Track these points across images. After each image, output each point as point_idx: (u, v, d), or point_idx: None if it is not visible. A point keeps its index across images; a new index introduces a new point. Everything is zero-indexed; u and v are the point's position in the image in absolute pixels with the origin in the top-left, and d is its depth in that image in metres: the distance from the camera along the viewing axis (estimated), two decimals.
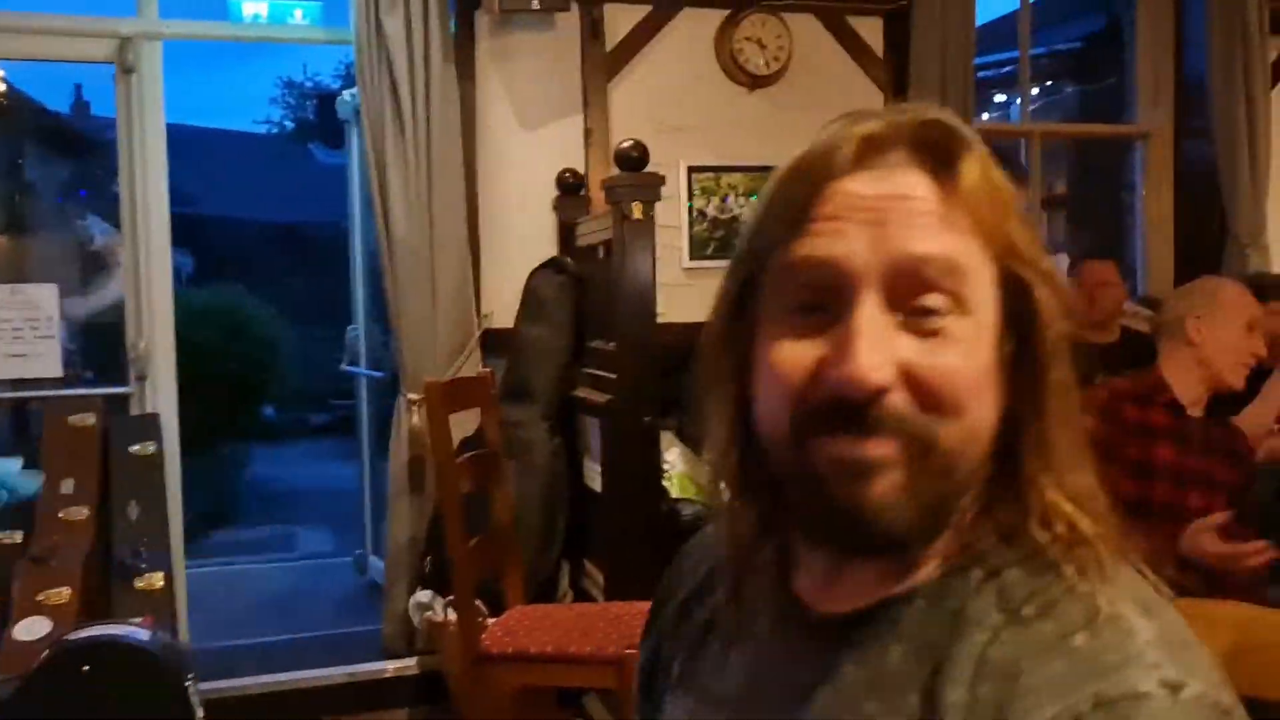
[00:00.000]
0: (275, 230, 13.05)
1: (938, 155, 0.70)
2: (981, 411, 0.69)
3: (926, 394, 0.67)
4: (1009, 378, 0.70)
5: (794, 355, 0.69)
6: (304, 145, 18.40)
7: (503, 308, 3.71)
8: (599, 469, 3.26)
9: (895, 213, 0.68)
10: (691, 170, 3.87)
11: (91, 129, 10.04)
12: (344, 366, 4.84)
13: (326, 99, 17.93)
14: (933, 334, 0.68)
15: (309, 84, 19.04)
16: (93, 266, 5.96)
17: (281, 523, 6.74)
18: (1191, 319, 2.40)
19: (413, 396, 3.56)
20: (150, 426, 3.56)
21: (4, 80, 5.36)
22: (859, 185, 0.69)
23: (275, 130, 19.57)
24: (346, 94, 4.70)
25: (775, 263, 0.71)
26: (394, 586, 3.57)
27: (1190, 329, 2.39)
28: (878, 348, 0.66)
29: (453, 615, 3.13)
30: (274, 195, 13.95)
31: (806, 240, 0.69)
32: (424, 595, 3.35)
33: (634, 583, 2.99)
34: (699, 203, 3.91)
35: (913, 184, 0.69)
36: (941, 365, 0.67)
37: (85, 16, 3.73)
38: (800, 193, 0.71)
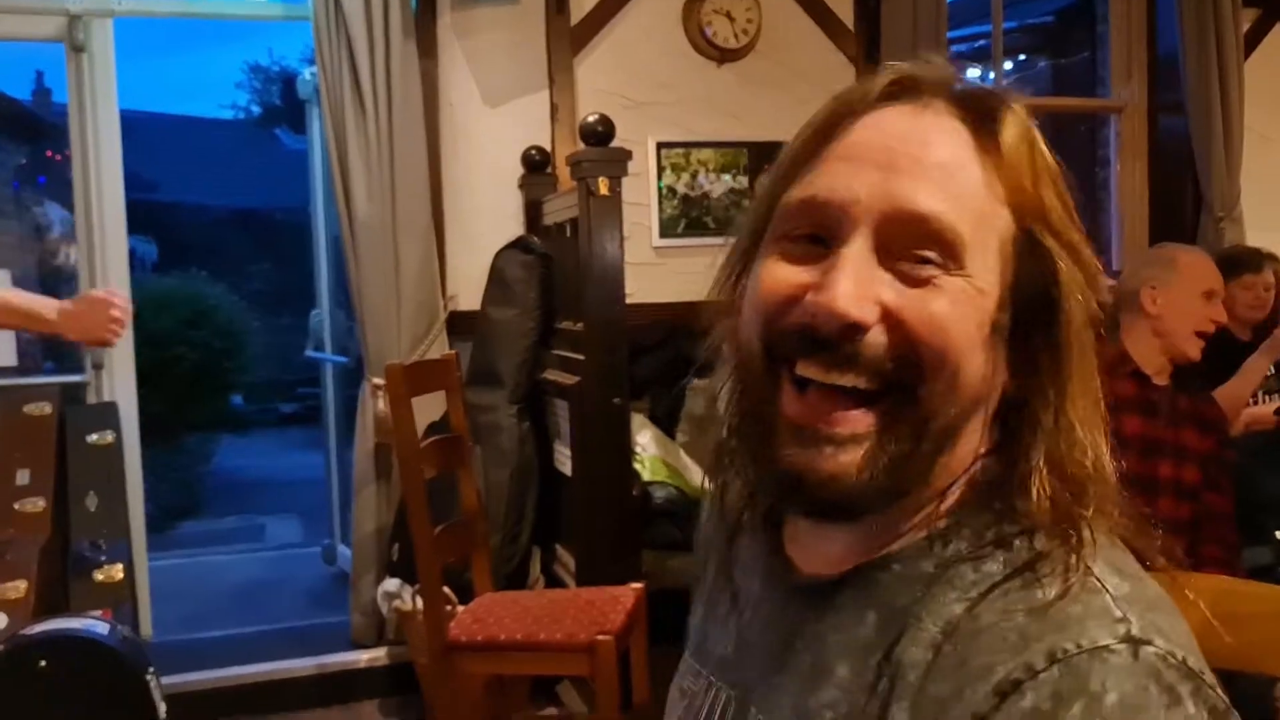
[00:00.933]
0: (241, 216, 12.87)
1: (980, 110, 0.69)
2: (968, 374, 0.66)
3: (909, 340, 0.65)
4: (1016, 348, 0.68)
5: (779, 275, 0.68)
6: (270, 130, 18.20)
7: (469, 289, 3.63)
8: (569, 452, 3.20)
9: (907, 159, 0.66)
10: (661, 146, 3.80)
11: (51, 115, 9.84)
12: (309, 353, 4.74)
13: (291, 82, 17.73)
14: (923, 282, 0.65)
15: (275, 68, 18.82)
16: (50, 254, 5.83)
17: (250, 513, 6.64)
18: (1147, 289, 2.36)
19: (377, 381, 3.47)
20: (108, 415, 3.47)
21: None
22: (888, 119, 0.68)
23: (242, 115, 19.35)
24: (306, 73, 4.60)
25: (784, 201, 0.70)
26: (362, 576, 3.49)
27: (1145, 299, 2.35)
28: (861, 282, 0.64)
29: (421, 604, 3.06)
30: (241, 181, 13.76)
31: (813, 178, 0.68)
32: (392, 584, 3.28)
33: (605, 567, 2.93)
34: (669, 180, 3.84)
35: (949, 129, 0.68)
36: (928, 313, 0.65)
37: None
38: (824, 126, 0.70)
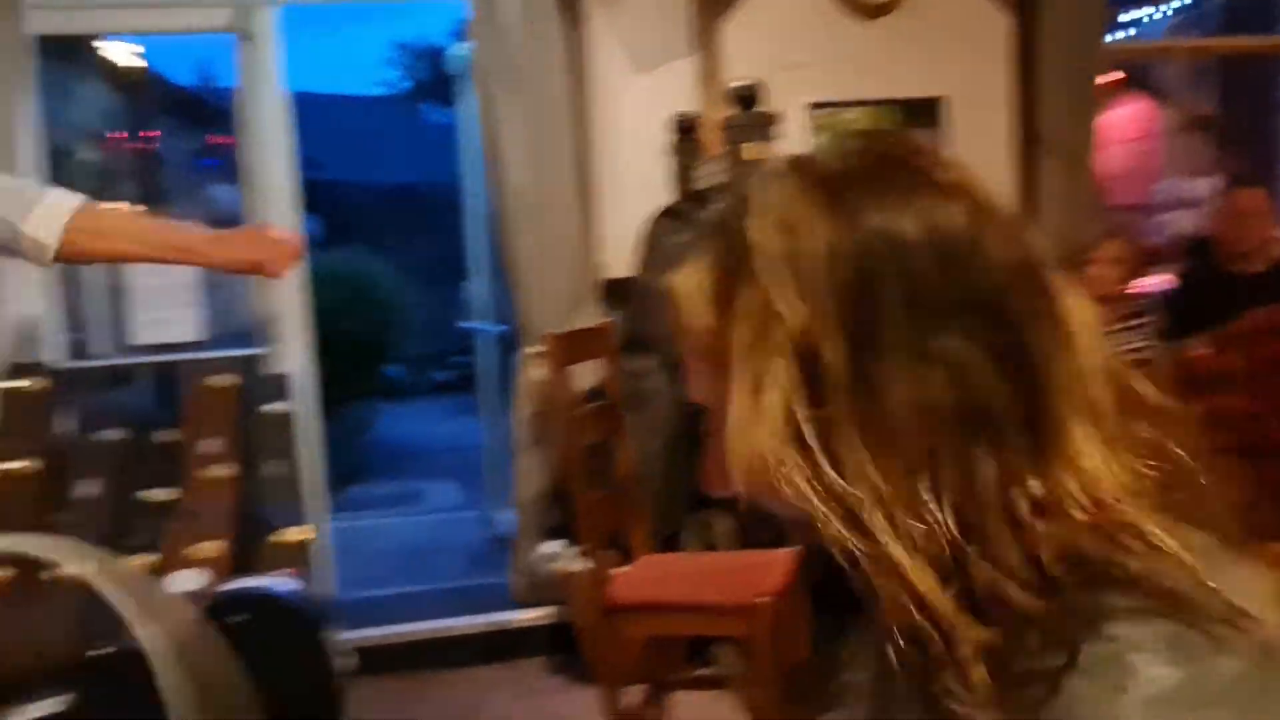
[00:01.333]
0: (394, 192, 13.28)
1: None
2: None
3: None
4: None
5: None
6: (416, 105, 18.65)
7: (619, 256, 3.67)
8: None
9: None
10: (811, 107, 3.74)
11: (216, 100, 10.34)
12: (462, 323, 4.89)
13: (438, 58, 18.13)
14: None
15: (422, 44, 19.24)
16: None
17: (410, 478, 6.91)
18: None
19: (533, 350, 3.56)
20: (284, 386, 3.66)
21: (138, 55, 5.54)
22: None
23: (392, 91, 19.86)
24: (457, 49, 4.71)
25: None
26: (522, 539, 3.60)
27: None
28: None
29: (581, 566, 3.15)
30: (392, 157, 14.19)
31: None
32: (552, 546, 3.38)
33: (763, 533, 2.95)
34: (818, 141, 3.79)
35: None
36: None
37: None
38: None
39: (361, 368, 7.55)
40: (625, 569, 2.84)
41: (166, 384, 4.95)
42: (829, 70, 3.77)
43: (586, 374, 3.25)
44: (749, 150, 2.90)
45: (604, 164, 3.71)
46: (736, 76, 3.14)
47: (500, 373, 4.66)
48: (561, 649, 3.48)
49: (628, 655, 2.79)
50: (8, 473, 3.43)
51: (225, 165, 9.04)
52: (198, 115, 8.37)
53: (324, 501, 3.83)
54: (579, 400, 2.85)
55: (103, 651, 2.93)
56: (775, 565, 2.68)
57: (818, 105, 3.75)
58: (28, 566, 3.25)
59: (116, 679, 2.85)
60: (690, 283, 0.69)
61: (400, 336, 8.62)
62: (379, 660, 3.40)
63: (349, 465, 6.55)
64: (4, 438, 3.43)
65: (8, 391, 3.46)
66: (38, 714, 3.00)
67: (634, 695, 2.75)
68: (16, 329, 3.56)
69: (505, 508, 4.56)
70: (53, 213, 1.63)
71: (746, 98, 2.96)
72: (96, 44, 4.69)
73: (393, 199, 12.82)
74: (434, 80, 18.80)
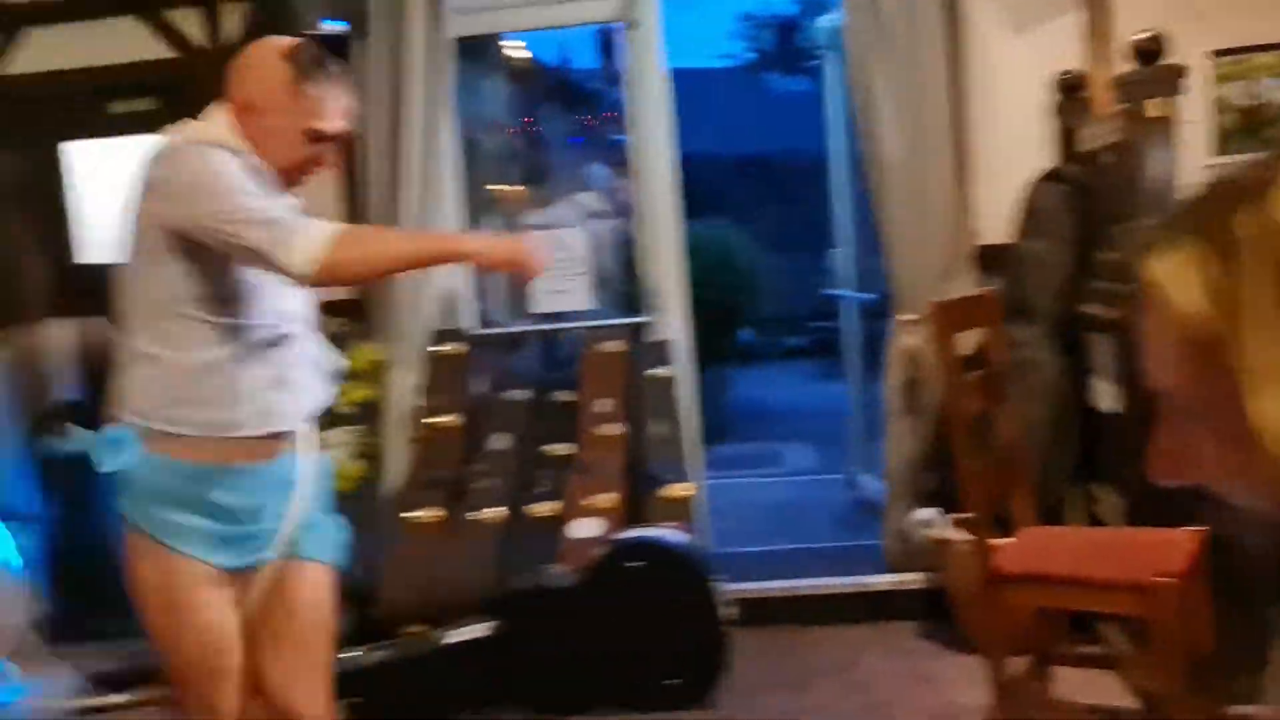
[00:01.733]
0: (745, 162, 13.53)
1: None
2: None
3: None
4: None
5: None
6: (759, 76, 18.83)
7: (996, 222, 3.59)
8: (1112, 389, 3.08)
9: None
10: (1213, 55, 3.46)
11: (579, 82, 11.03)
12: (827, 290, 4.96)
13: (786, 28, 18.19)
14: None
15: (768, 15, 19.37)
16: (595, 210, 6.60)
17: (767, 440, 7.10)
18: None
19: (906, 317, 3.58)
20: (665, 351, 3.91)
21: (523, 49, 6.05)
22: None
23: (730, 63, 20.17)
24: (822, 20, 4.76)
25: None
26: (894, 504, 3.65)
27: None
28: None
29: (958, 534, 3.15)
30: (740, 128, 14.46)
31: None
32: (927, 513, 3.39)
33: (1158, 509, 2.81)
34: (1219, 91, 3.49)
35: None
36: None
37: None
38: None
39: (718, 333, 7.85)
40: (1007, 540, 2.81)
41: (552, 348, 5.45)
42: (1231, 13, 3.46)
43: (963, 343, 3.23)
44: (1153, 107, 2.74)
45: (980, 128, 3.63)
46: (1129, 28, 2.96)
47: (866, 340, 4.70)
48: (933, 614, 3.50)
49: (1012, 626, 2.77)
50: (437, 425, 3.93)
51: (591, 143, 9.68)
52: (568, 99, 8.99)
53: (699, 460, 4.05)
54: (962, 368, 2.84)
55: (515, 587, 3.29)
56: (1175, 546, 2.55)
57: (1222, 52, 3.46)
58: (458, 508, 3.72)
59: (533, 611, 3.21)
60: (1176, 269, 0.71)
61: (756, 303, 8.85)
62: (756, 613, 3.57)
63: (712, 426, 6.85)
64: (432, 395, 3.93)
65: (435, 355, 3.95)
66: (465, 637, 3.43)
67: (1017, 666, 2.73)
68: (440, 300, 4.05)
69: (869, 472, 4.62)
70: (309, 243, 1.76)
71: (1148, 51, 2.79)
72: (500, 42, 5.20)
73: (745, 169, 13.08)
74: (780, 50, 18.92)
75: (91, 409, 2.09)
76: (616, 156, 9.74)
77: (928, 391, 3.53)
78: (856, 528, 4.40)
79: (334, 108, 1.90)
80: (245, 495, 1.96)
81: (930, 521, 3.37)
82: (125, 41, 3.92)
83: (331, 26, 3.53)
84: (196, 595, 1.93)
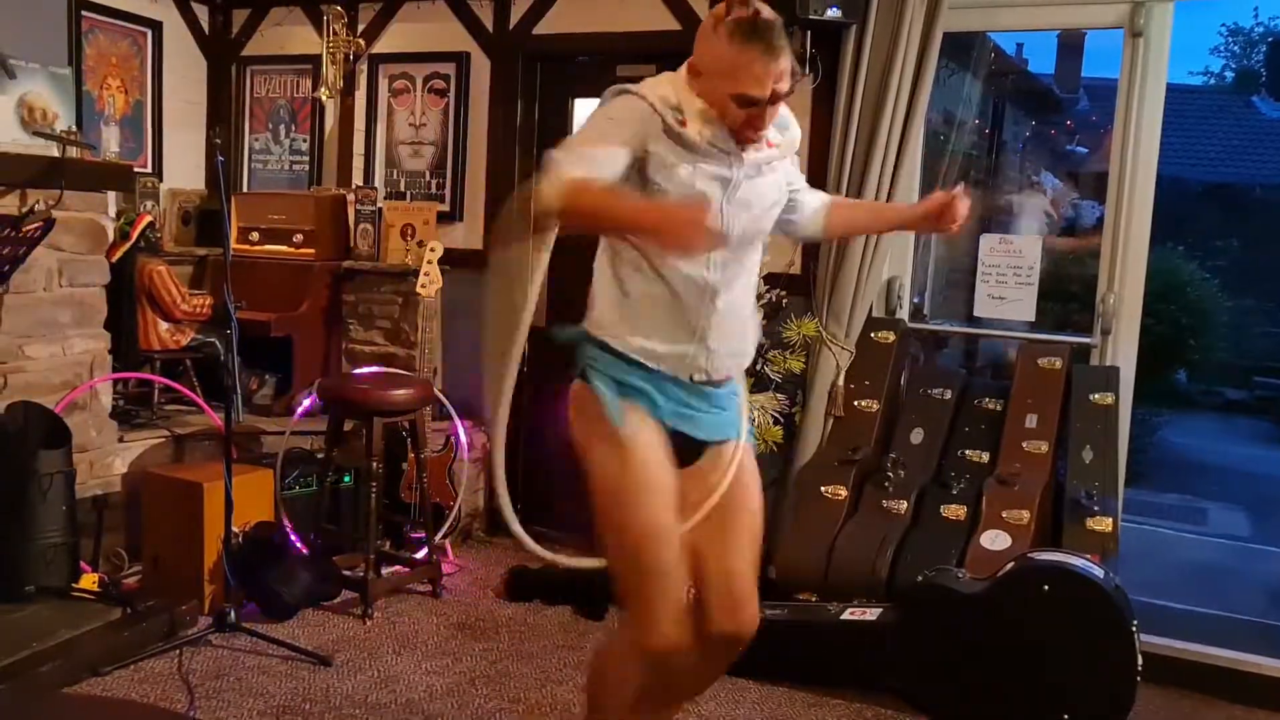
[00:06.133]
0: (1212, 190, 12.29)
1: None
2: None
3: None
4: None
5: None
6: (1245, 97, 16.96)
7: None
8: None
9: None
10: None
11: (1043, 87, 10.50)
12: None
13: (1278, 44, 16.21)
14: None
15: (1259, 29, 17.40)
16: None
17: (1190, 494, 6.52)
18: None
19: None
20: (1111, 378, 3.72)
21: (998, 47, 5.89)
22: None
23: (1213, 82, 18.32)
24: None
25: None
26: None
27: None
28: None
29: None
30: (1212, 152, 13.14)
31: None
32: None
33: None
34: None
35: None
36: None
37: None
38: None
39: (1152, 370, 7.27)
40: None
41: (974, 353, 5.32)
42: None
43: None
44: None
45: None
46: None
47: None
48: None
49: None
50: (859, 408, 4.01)
51: (1042, 150, 9.22)
52: (1032, 103, 8.62)
53: (1120, 497, 3.82)
54: None
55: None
56: None
57: None
58: (866, 491, 3.78)
59: (935, 609, 3.20)
60: None
61: (1200, 344, 8.08)
62: (1161, 670, 3.34)
63: (1131, 467, 6.38)
64: (858, 378, 4.01)
65: (868, 340, 4.02)
66: (862, 618, 3.48)
67: None
68: (882, 288, 4.10)
69: None
70: (550, 185, 1.86)
71: None
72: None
73: (1211, 198, 11.90)
74: (1270, 69, 16.86)
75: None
76: (1067, 166, 9.23)
77: None
78: None
79: (763, 75, 1.94)
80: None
81: None
82: (638, 11, 4.31)
83: (835, 14, 3.66)
84: (638, 438, 2.10)
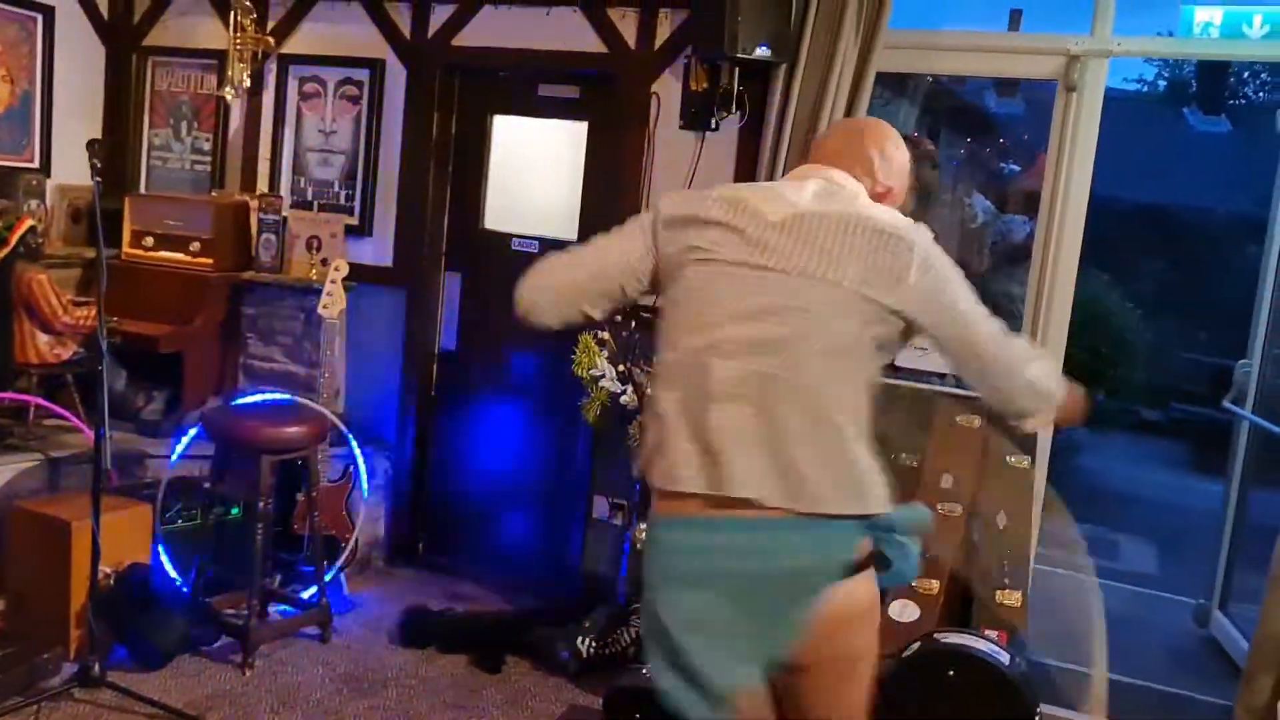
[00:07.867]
0: (1139, 210, 12.42)
1: None
2: None
3: None
4: None
5: None
6: (1177, 108, 17.11)
7: None
8: None
9: None
10: None
11: (978, 106, 10.44)
12: (1227, 403, 4.43)
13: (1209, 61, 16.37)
14: None
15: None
16: (969, 246, 6.27)
17: (1102, 524, 6.50)
18: None
19: None
20: (1029, 440, 3.63)
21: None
22: None
23: (1145, 90, 18.46)
24: None
25: None
26: (1257, 677, 3.22)
27: None
28: None
29: None
30: (1139, 163, 13.27)
31: None
32: None
33: None
34: None
35: None
36: None
37: (1036, 34, 3.81)
38: None
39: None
40: None
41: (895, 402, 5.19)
42: None
43: None
44: None
45: None
46: None
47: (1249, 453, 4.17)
48: None
49: None
50: None
51: (972, 169, 9.16)
52: (966, 123, 8.56)
53: (1031, 563, 3.76)
54: None
55: (922, 648, 3.09)
56: None
57: None
58: None
59: (926, 670, 3.02)
60: None
61: (1119, 364, 8.14)
62: None
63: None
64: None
65: None
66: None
67: None
68: None
69: (1227, 613, 4.12)
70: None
71: None
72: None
73: (1135, 218, 12.02)
74: (1205, 83, 17.07)
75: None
76: (998, 187, 9.17)
77: None
78: (1200, 673, 3.92)
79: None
80: None
81: None
82: (563, 30, 4.10)
83: (764, 53, 3.50)
84: None
